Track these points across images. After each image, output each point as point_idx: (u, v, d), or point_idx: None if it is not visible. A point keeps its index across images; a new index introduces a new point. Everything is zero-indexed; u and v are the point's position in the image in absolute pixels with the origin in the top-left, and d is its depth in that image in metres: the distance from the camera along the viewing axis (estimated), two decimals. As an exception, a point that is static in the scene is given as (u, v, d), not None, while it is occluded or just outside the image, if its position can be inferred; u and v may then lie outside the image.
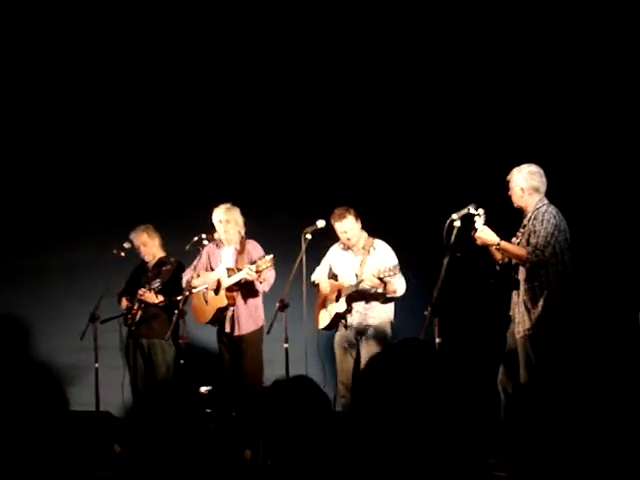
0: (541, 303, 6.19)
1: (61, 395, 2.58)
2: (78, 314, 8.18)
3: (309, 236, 7.10)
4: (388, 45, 8.45)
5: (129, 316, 7.95)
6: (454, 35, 8.22)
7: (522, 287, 6.30)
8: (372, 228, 7.44)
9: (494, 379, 6.44)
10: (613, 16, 7.69)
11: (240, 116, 8.90)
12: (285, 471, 2.44)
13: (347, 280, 7.29)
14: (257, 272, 7.19)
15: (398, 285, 7.10)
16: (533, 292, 6.24)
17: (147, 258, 8.12)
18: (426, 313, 6.20)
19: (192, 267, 7.63)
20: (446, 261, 6.23)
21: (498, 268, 6.46)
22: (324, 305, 7.41)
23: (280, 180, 8.74)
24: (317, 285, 7.44)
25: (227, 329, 7.52)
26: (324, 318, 7.40)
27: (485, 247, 6.36)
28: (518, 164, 6.53)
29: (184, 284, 7.58)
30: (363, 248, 7.31)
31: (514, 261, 6.36)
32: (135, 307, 7.91)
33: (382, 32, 8.44)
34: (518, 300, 6.33)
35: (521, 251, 6.27)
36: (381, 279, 6.97)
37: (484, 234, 6.26)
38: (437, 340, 6.12)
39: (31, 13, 8.86)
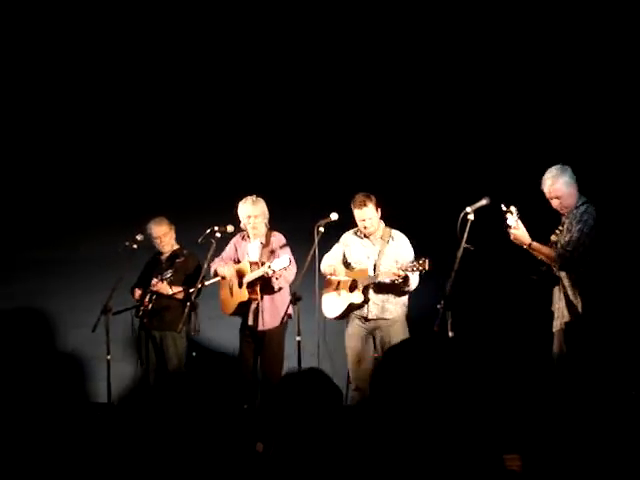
0: (579, 297, 6.20)
1: (75, 388, 2.57)
2: (90, 307, 8.19)
3: (322, 229, 7.07)
4: (407, 38, 8.43)
5: (141, 308, 7.96)
6: (470, 29, 8.20)
7: (564, 282, 6.28)
8: (388, 219, 7.41)
9: (506, 372, 6.42)
10: (615, 15, 7.65)
11: (250, 107, 8.90)
12: (295, 463, 2.42)
13: (364, 269, 7.19)
14: (274, 272, 7.18)
15: (413, 280, 7.07)
16: (574, 287, 6.25)
17: (165, 249, 8.11)
18: (439, 306, 6.18)
19: (219, 257, 7.64)
20: (460, 254, 6.21)
21: (545, 268, 6.43)
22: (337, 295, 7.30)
23: (293, 172, 8.73)
24: (331, 273, 7.30)
25: (250, 322, 7.50)
26: (335, 307, 7.27)
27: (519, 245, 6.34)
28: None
29: (211, 272, 7.59)
30: (381, 238, 7.24)
31: None
32: (147, 299, 7.92)
33: (399, 26, 8.42)
34: (560, 295, 6.32)
35: (550, 253, 6.28)
36: (405, 272, 6.88)
37: (518, 232, 6.23)
38: (450, 334, 6.09)
39: (31, 13, 8.86)
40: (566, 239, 6.27)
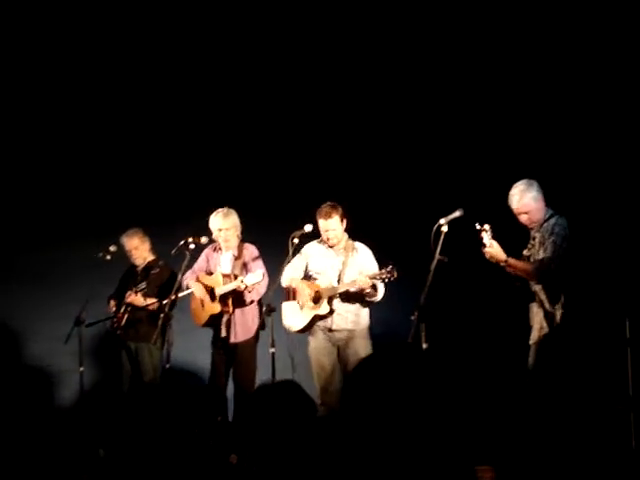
0: (559, 309, 6.22)
1: (46, 400, 2.56)
2: (61, 317, 8.14)
3: (297, 240, 7.06)
4: (377, 49, 8.46)
5: (114, 320, 7.92)
6: (444, 41, 8.24)
7: (540, 296, 6.30)
8: (362, 231, 7.43)
9: (481, 383, 6.43)
10: (604, 19, 7.72)
11: (227, 121, 8.89)
12: (271, 475, 2.42)
13: (328, 280, 7.18)
14: (246, 286, 7.18)
15: (381, 290, 7.07)
16: (550, 299, 6.25)
17: (138, 262, 8.10)
18: (413, 318, 6.18)
19: (191, 270, 7.59)
20: (433, 266, 6.22)
21: (519, 284, 6.43)
22: (300, 307, 7.23)
23: (268, 185, 8.72)
24: (293, 288, 7.26)
25: (223, 334, 7.47)
26: (298, 319, 7.22)
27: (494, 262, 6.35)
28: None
29: (183, 286, 7.55)
30: (345, 249, 7.25)
31: None
32: (121, 310, 7.88)
33: (372, 37, 8.45)
34: (537, 310, 6.34)
35: (527, 267, 6.28)
36: (374, 280, 6.87)
37: (493, 250, 6.23)
38: (424, 345, 6.09)
39: (31, 13, 8.81)
40: (540, 253, 6.28)
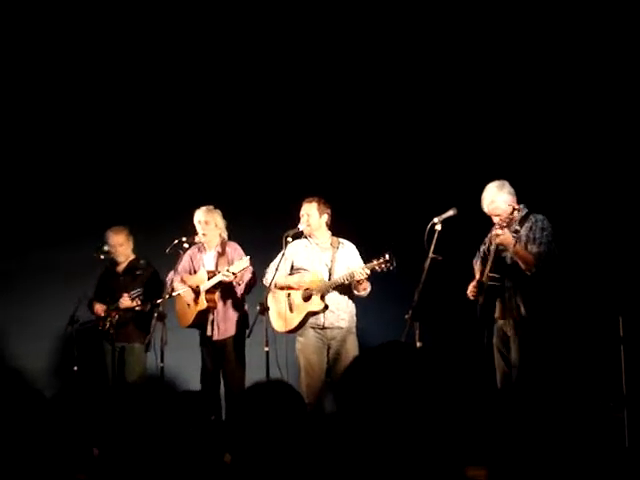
0: (540, 301, 6.32)
1: (38, 400, 2.55)
2: (52, 318, 8.14)
3: (290, 239, 7.07)
4: (370, 45, 8.45)
5: (108, 320, 7.83)
6: (440, 37, 8.25)
7: (522, 289, 6.34)
8: (351, 231, 7.42)
9: (474, 382, 6.43)
10: (598, 20, 7.73)
11: (218, 119, 8.87)
12: (260, 474, 2.42)
13: (319, 276, 7.11)
14: (234, 274, 7.16)
15: (368, 284, 7.01)
16: (534, 292, 6.33)
17: (120, 259, 8.04)
18: (407, 317, 6.19)
19: (174, 270, 7.57)
20: (427, 265, 6.23)
21: (498, 278, 6.46)
22: (290, 308, 7.15)
23: (262, 184, 8.71)
24: (283, 288, 7.19)
25: (209, 332, 7.48)
26: (291, 320, 7.13)
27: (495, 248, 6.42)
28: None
29: (167, 287, 7.53)
30: (331, 245, 7.23)
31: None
32: (113, 312, 7.80)
33: (366, 32, 8.45)
34: (512, 304, 6.37)
35: (529, 257, 6.31)
36: (370, 271, 6.79)
37: (504, 235, 6.27)
38: (418, 344, 6.10)
39: (31, 13, 8.79)
40: (534, 248, 6.32)
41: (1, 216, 8.95)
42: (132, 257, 8.10)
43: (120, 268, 8.08)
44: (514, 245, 6.27)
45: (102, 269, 8.15)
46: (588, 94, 7.74)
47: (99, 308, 7.93)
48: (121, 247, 8.02)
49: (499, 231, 6.27)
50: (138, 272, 7.94)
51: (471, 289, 6.49)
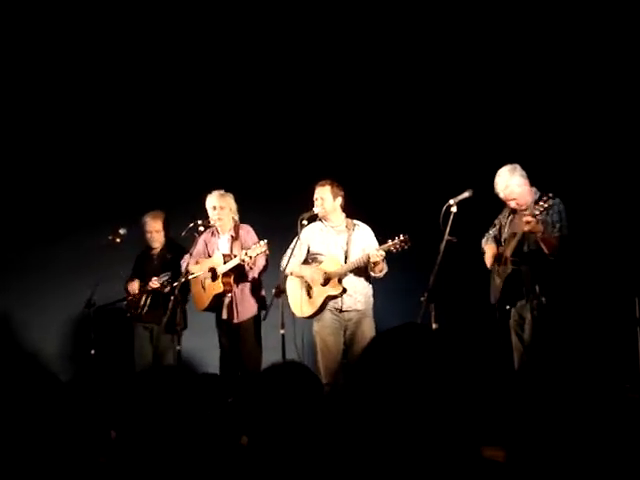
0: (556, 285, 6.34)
1: (57, 384, 2.57)
2: (70, 302, 8.18)
3: (305, 222, 7.08)
4: (378, 34, 8.43)
5: (140, 304, 7.82)
6: (446, 30, 8.23)
7: (541, 274, 6.35)
8: (366, 213, 7.42)
9: (489, 365, 6.44)
10: (605, 17, 7.71)
11: (233, 103, 8.87)
12: (276, 456, 2.43)
13: (335, 261, 7.11)
14: (250, 257, 7.16)
15: (385, 265, 7.02)
16: (551, 276, 6.35)
17: (156, 245, 8.01)
18: (422, 299, 6.19)
19: (189, 254, 7.58)
20: (443, 247, 6.23)
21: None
22: (308, 293, 7.16)
23: (276, 167, 8.71)
24: (300, 276, 7.20)
25: (224, 316, 7.50)
26: (310, 304, 7.15)
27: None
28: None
29: (183, 270, 7.54)
30: (346, 227, 7.22)
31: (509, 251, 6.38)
32: (143, 296, 7.80)
33: (372, 24, 8.43)
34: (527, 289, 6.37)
35: (554, 242, 6.33)
36: (387, 252, 6.78)
37: (533, 221, 6.22)
38: (434, 326, 6.11)
39: (31, 13, 8.79)
40: (555, 233, 6.32)
41: (19, 207, 8.98)
42: (165, 242, 8.04)
43: (154, 252, 8.06)
44: (542, 232, 6.25)
45: (138, 252, 8.12)
46: (604, 78, 7.70)
47: (134, 285, 7.93)
48: (157, 233, 7.96)
49: (529, 218, 6.19)
50: (169, 256, 7.92)
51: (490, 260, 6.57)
